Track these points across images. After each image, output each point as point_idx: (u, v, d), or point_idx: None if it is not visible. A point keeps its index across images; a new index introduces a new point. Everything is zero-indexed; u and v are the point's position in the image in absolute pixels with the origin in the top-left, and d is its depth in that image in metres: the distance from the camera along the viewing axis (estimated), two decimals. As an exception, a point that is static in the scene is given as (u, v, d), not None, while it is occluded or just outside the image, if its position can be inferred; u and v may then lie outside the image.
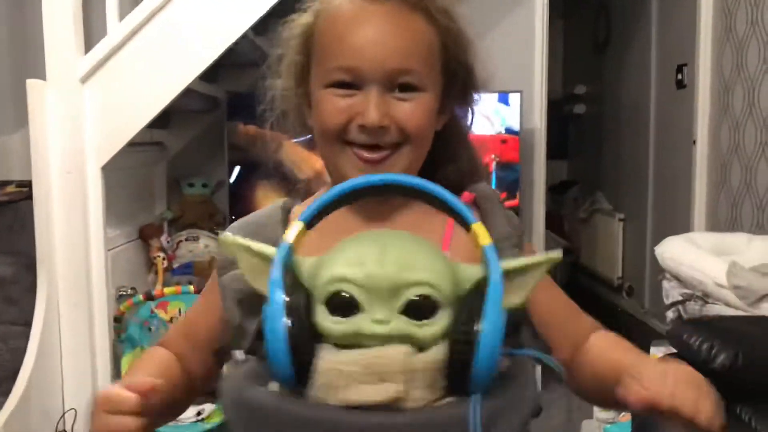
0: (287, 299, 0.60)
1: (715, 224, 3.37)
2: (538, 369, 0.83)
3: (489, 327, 0.57)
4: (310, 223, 0.65)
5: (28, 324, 2.46)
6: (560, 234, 5.20)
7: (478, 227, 0.63)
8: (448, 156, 0.87)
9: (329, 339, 0.60)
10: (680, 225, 3.54)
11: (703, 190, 3.49)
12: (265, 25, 3.23)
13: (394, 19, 0.75)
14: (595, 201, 4.97)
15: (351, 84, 0.76)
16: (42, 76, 2.45)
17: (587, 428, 2.26)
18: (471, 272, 0.63)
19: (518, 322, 0.73)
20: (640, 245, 4.24)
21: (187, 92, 2.64)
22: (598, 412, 2.22)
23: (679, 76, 3.72)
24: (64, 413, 2.50)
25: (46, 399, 2.44)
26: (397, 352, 0.58)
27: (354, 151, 0.78)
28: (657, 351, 2.41)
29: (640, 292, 4.28)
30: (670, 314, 2.46)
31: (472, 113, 0.90)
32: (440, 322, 0.60)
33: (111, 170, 2.56)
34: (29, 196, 2.63)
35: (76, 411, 2.51)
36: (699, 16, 3.42)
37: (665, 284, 2.55)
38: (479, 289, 0.61)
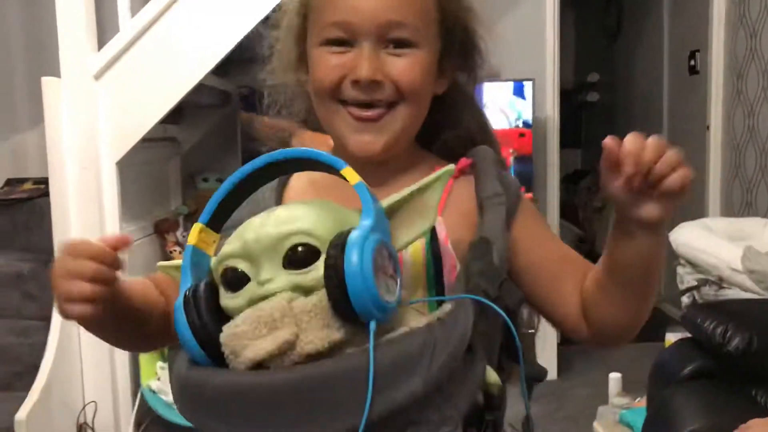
0: (186, 293, 0.63)
1: (730, 210, 3.35)
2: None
3: (351, 256, 0.57)
4: (209, 221, 0.67)
5: (46, 319, 2.49)
6: (575, 223, 5.19)
7: (346, 171, 0.63)
8: (449, 122, 0.84)
9: (234, 315, 0.61)
10: (694, 211, 3.53)
11: (717, 175, 3.47)
12: (275, 18, 3.25)
13: None
14: (610, 189, 4.95)
15: (345, 41, 0.75)
16: (56, 74, 2.48)
17: (603, 414, 2.26)
18: (356, 216, 0.62)
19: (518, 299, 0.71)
20: (655, 233, 4.22)
21: (199, 87, 2.65)
22: (614, 398, 2.23)
23: (692, 62, 3.70)
24: (84, 406, 2.53)
25: (67, 392, 2.47)
26: (278, 300, 0.59)
27: (348, 110, 0.76)
28: (672, 336, 2.40)
29: (655, 280, 4.26)
30: (685, 300, 2.46)
31: (475, 78, 0.86)
32: (320, 268, 0.60)
33: (126, 166, 2.58)
34: (46, 193, 2.66)
35: (96, 404, 2.54)
36: (712, 1, 3.39)
37: (680, 270, 2.54)
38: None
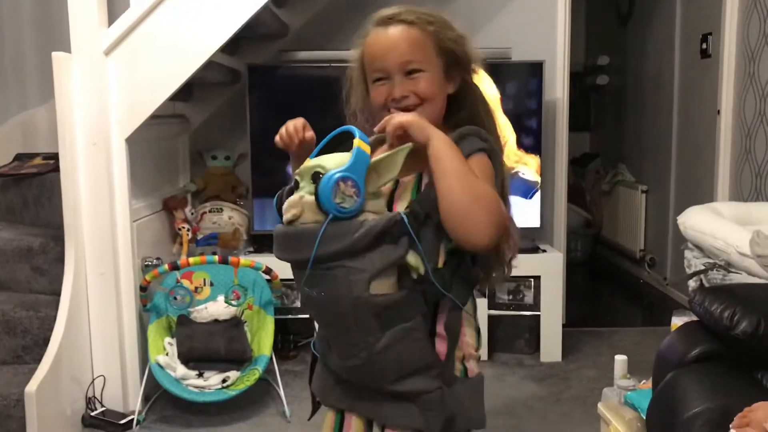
0: (280, 190, 1.27)
1: (739, 195, 3.34)
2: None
3: (323, 180, 1.12)
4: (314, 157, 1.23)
5: (56, 293, 2.52)
6: (582, 207, 5.18)
7: (355, 140, 1.16)
8: (458, 108, 1.35)
9: None
10: (703, 196, 3.52)
11: (727, 160, 3.46)
12: (285, -4, 3.24)
13: (400, 33, 1.27)
14: (618, 173, 4.94)
15: (384, 78, 1.28)
16: (66, 50, 2.48)
17: (608, 395, 2.27)
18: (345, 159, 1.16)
19: (429, 212, 1.18)
20: (663, 217, 4.21)
21: (209, 65, 2.65)
22: (619, 380, 2.23)
23: (704, 46, 3.67)
24: (93, 380, 2.56)
25: (76, 366, 2.50)
26: (297, 196, 1.17)
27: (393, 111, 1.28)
28: (678, 321, 2.41)
29: (662, 264, 4.26)
30: (692, 284, 2.45)
31: (470, 80, 1.35)
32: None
33: (135, 142, 2.59)
34: (55, 168, 2.67)
35: (104, 378, 2.57)
36: (725, -17, 3.36)
37: (687, 254, 2.54)
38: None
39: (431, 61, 1.27)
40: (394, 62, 1.26)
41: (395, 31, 1.27)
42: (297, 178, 1.19)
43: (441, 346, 1.23)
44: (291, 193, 1.20)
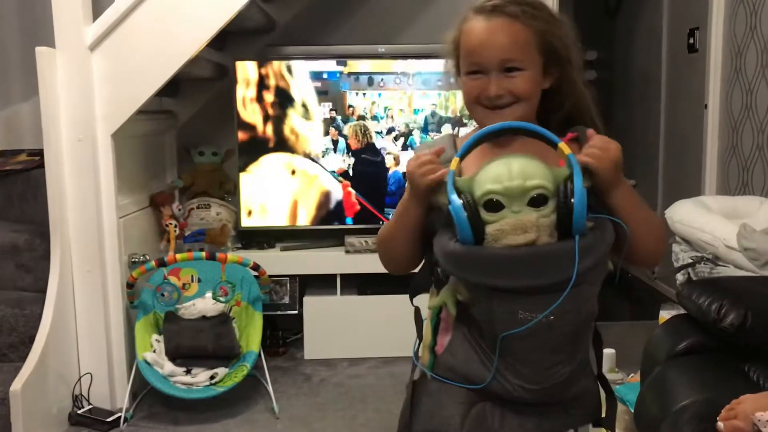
0: (464, 201, 1.08)
1: (726, 188, 3.35)
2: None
3: (578, 198, 1.04)
4: (462, 156, 1.14)
5: (42, 291, 2.49)
6: (570, 201, 5.18)
7: (562, 145, 1.09)
8: (555, 106, 1.27)
9: (489, 224, 1.08)
10: (691, 190, 3.53)
11: (714, 154, 3.47)
12: (272, -10, 3.22)
13: (502, 28, 1.20)
14: (606, 168, 4.94)
15: (479, 71, 1.22)
16: (51, 45, 2.45)
17: (596, 390, 2.28)
18: (563, 172, 1.08)
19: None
20: (651, 211, 4.22)
21: (196, 60, 2.63)
22: (607, 373, 2.23)
23: (691, 40, 3.67)
24: (80, 377, 2.54)
25: (62, 364, 2.48)
26: (529, 218, 1.06)
27: (486, 110, 1.23)
28: (666, 314, 2.42)
29: (650, 259, 4.27)
30: (680, 277, 2.46)
31: (574, 68, 1.26)
32: (551, 206, 1.07)
33: (121, 138, 2.57)
34: (41, 165, 2.65)
35: (91, 375, 2.55)
36: (711, -22, 3.37)
37: (675, 247, 2.55)
38: (567, 180, 1.07)
39: (531, 58, 1.21)
40: (492, 58, 1.19)
41: (496, 24, 1.20)
42: (500, 198, 1.07)
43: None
44: (473, 212, 1.07)
